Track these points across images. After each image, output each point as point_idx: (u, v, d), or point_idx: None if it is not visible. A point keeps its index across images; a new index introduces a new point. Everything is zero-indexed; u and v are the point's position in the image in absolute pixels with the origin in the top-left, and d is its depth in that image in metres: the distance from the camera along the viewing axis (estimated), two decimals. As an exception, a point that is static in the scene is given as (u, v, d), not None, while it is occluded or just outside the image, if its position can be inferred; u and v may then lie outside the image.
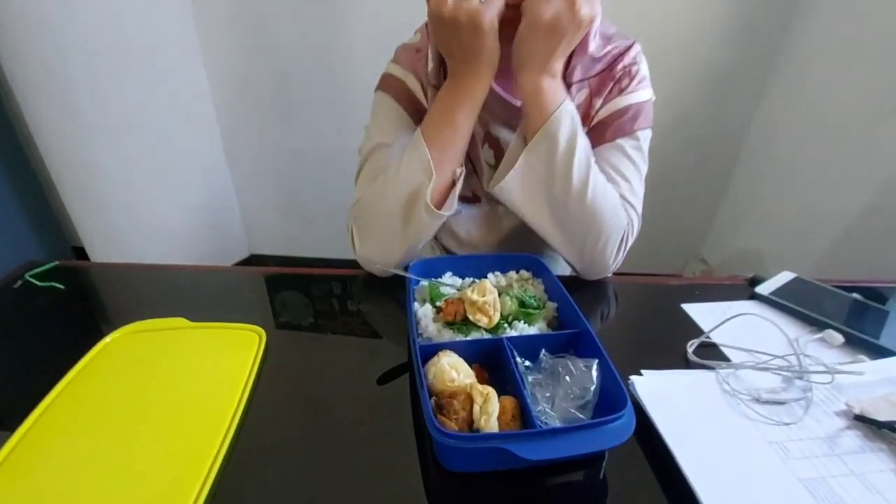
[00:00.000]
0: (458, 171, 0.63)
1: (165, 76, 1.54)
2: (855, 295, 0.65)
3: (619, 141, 0.66)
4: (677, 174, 1.75)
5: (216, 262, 1.84)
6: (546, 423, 0.42)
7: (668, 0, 1.47)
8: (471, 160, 0.73)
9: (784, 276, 0.69)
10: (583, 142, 0.61)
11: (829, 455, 0.42)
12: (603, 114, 0.67)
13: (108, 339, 0.53)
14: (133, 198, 1.64)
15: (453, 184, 0.64)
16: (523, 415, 0.42)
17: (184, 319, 0.57)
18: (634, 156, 0.67)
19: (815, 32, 1.40)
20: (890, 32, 1.16)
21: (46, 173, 1.62)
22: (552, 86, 0.59)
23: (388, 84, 0.71)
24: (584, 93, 0.68)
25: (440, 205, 0.62)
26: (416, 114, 0.70)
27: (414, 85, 0.70)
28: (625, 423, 0.39)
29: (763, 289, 0.66)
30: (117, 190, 1.62)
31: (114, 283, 0.72)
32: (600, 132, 0.67)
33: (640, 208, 0.68)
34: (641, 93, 0.67)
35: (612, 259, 0.66)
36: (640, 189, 0.68)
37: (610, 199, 0.63)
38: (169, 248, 1.75)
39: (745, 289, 0.68)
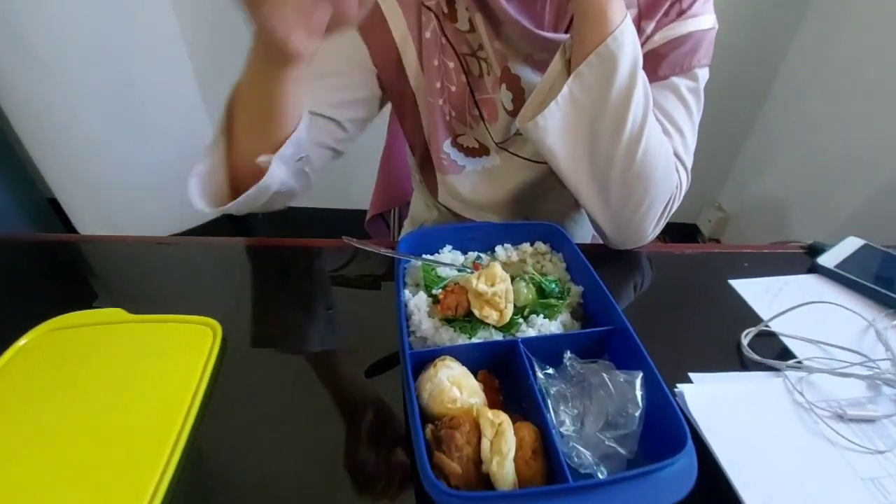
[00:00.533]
0: (262, 159, 0.45)
1: (128, 12, 1.36)
2: (935, 267, 0.54)
3: (675, 80, 0.53)
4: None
5: (193, 212, 1.71)
6: (576, 461, 0.32)
7: None
8: (477, 105, 0.59)
9: (850, 244, 0.57)
10: (644, 77, 0.48)
11: (941, 496, 0.32)
12: (657, 41, 0.53)
13: (22, 341, 0.43)
14: (103, 146, 1.52)
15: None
16: (545, 447, 0.33)
17: (121, 311, 0.46)
18: (690, 100, 0.53)
19: None
20: None
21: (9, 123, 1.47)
22: None
23: None
24: (632, 12, 0.52)
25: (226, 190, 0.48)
26: (380, 48, 0.56)
27: (392, 10, 0.55)
28: (683, 467, 0.29)
29: (826, 260, 0.55)
30: (83, 136, 1.48)
31: (30, 264, 0.57)
32: (651, 66, 0.53)
33: (690, 166, 0.55)
34: (705, 18, 0.53)
35: (653, 228, 0.54)
36: (692, 142, 0.55)
37: (664, 157, 0.51)
38: (148, 199, 1.63)
39: (803, 259, 0.57)
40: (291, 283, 0.55)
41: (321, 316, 0.50)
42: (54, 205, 1.72)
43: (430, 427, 0.34)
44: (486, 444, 0.31)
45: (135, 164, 1.58)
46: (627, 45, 0.45)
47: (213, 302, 0.49)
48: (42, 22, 1.26)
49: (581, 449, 0.32)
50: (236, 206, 0.47)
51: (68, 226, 1.65)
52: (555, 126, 0.48)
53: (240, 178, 0.48)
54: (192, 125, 1.66)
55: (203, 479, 0.35)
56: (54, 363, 0.42)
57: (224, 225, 1.67)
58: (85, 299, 0.48)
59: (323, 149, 0.57)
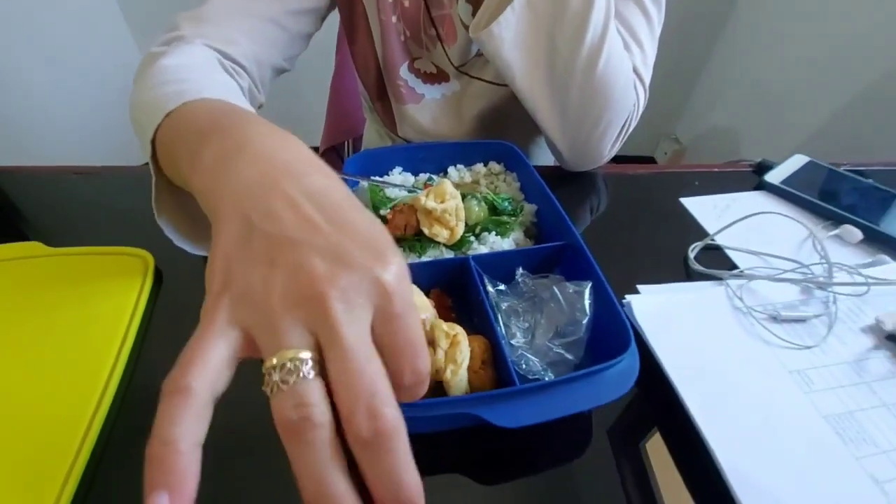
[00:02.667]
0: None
1: None
2: (871, 181, 0.56)
3: None
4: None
5: (130, 150, 1.58)
6: (525, 368, 0.32)
7: None
8: (434, 23, 0.54)
9: (796, 161, 0.59)
10: None
11: (857, 384, 0.35)
12: None
13: (-77, 276, 0.39)
14: (22, 79, 1.34)
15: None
16: (496, 358, 0.33)
17: (38, 244, 0.42)
18: (652, 11, 0.51)
19: None
20: None
21: None
22: None
23: None
24: None
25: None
26: None
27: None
28: (626, 367, 0.30)
29: (772, 177, 0.56)
30: (2, 72, 1.30)
31: None
32: None
33: (648, 83, 0.53)
34: None
35: (610, 147, 0.53)
36: (652, 57, 0.53)
37: (624, 72, 0.49)
38: (75, 137, 1.49)
39: (751, 177, 0.58)
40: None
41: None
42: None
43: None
44: (440, 353, 0.31)
45: (54, 94, 1.42)
46: None
47: (145, 234, 0.45)
48: None
49: (529, 356, 0.32)
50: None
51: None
52: (510, 35, 0.45)
53: None
54: (115, 48, 1.49)
55: (136, 428, 0.33)
56: (-36, 302, 0.38)
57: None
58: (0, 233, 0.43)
59: (269, 65, 0.51)
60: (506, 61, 0.46)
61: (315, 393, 0.17)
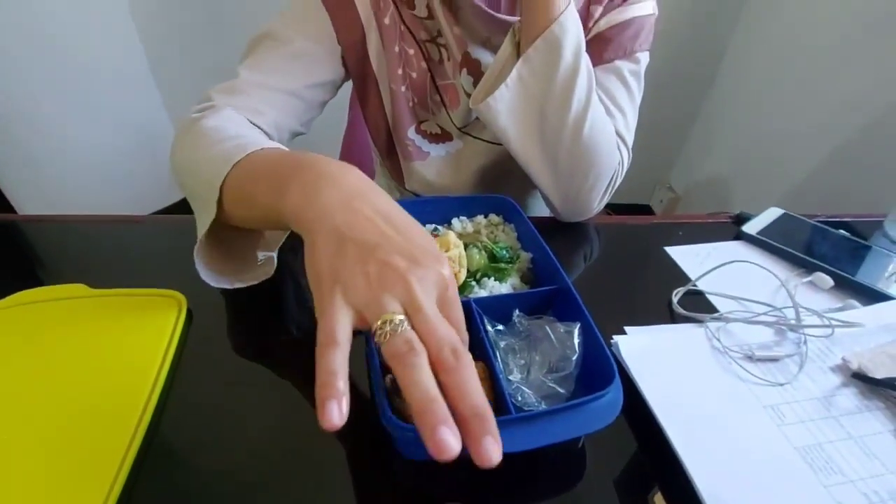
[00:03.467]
0: (262, 257, 0.46)
1: None
2: (842, 232, 0.60)
3: (618, 63, 0.57)
4: (650, 97, 1.65)
5: (154, 198, 1.66)
6: (521, 400, 0.36)
7: None
8: (438, 91, 0.61)
9: (771, 213, 0.64)
10: (587, 60, 0.51)
11: (826, 418, 0.38)
12: (602, 25, 0.57)
13: (-19, 314, 0.43)
14: (52, 129, 1.44)
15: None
16: (494, 390, 0.36)
17: (83, 286, 0.47)
18: (632, 83, 0.58)
19: None
20: None
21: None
22: None
23: None
24: (581, 0, 0.56)
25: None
26: (346, 25, 0.56)
27: None
28: (612, 399, 0.34)
29: (750, 227, 0.61)
30: (33, 121, 1.41)
31: None
32: (598, 50, 0.57)
33: (631, 145, 0.59)
34: (646, 4, 0.57)
35: (598, 201, 0.58)
36: (633, 123, 0.60)
37: (607, 135, 0.55)
38: (100, 185, 1.57)
39: (731, 228, 0.63)
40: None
41: (287, 289, 0.52)
42: None
43: (389, 376, 0.37)
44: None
45: (83, 145, 1.51)
46: (571, 30, 0.49)
47: (179, 277, 0.49)
48: None
49: (525, 389, 0.36)
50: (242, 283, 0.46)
51: (8, 209, 1.57)
52: (505, 107, 0.51)
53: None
54: (143, 103, 1.60)
55: (169, 452, 0.36)
56: (15, 338, 0.42)
57: (180, 205, 1.64)
58: (45, 278, 0.47)
59: (288, 130, 0.58)
60: (501, 129, 0.53)
61: (414, 336, 0.26)
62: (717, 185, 1.69)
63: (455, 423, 0.24)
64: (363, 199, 0.30)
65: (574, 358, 0.37)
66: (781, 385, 0.40)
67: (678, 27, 1.52)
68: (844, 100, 1.17)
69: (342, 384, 0.24)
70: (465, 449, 0.24)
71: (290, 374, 0.42)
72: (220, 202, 0.38)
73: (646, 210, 2.01)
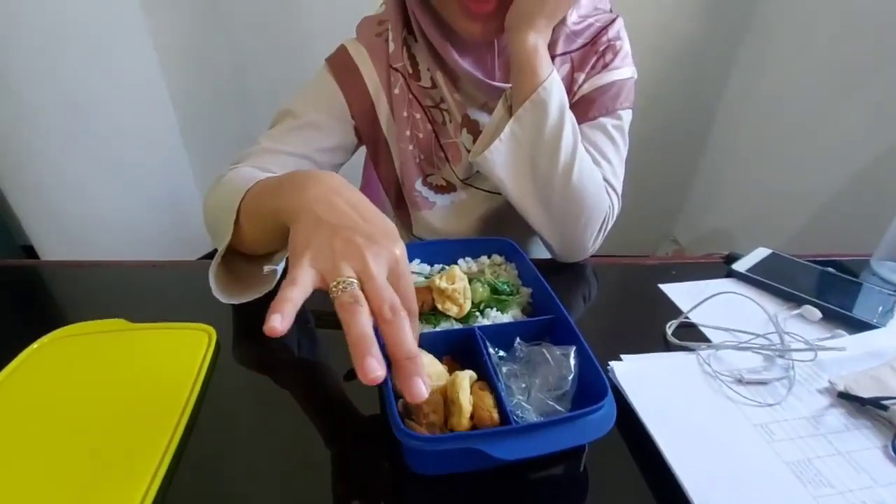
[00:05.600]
0: (267, 269, 0.51)
1: (110, 57, 1.42)
2: (829, 269, 0.64)
3: (602, 119, 0.64)
4: (649, 154, 1.74)
5: (177, 257, 1.74)
6: (522, 417, 0.39)
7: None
8: (443, 148, 0.69)
9: (760, 253, 0.68)
10: (571, 116, 0.58)
11: (815, 435, 0.40)
12: (586, 89, 0.65)
13: (35, 345, 0.48)
14: (82, 189, 1.53)
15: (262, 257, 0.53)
16: (497, 405, 0.39)
17: (123, 321, 0.52)
18: (616, 136, 0.64)
19: (776, 8, 1.40)
20: (847, 11, 1.16)
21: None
22: (546, 50, 0.56)
23: (335, 58, 0.67)
24: (566, 68, 0.65)
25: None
26: (356, 98, 0.66)
27: (365, 64, 0.65)
28: (605, 413, 0.36)
29: (739, 266, 0.65)
30: (64, 182, 1.50)
31: (44, 284, 0.65)
32: (583, 109, 0.64)
33: (620, 191, 0.65)
34: (625, 69, 0.65)
35: (592, 242, 0.63)
36: (620, 171, 0.66)
37: (595, 181, 0.61)
38: (125, 245, 1.65)
39: (722, 267, 0.67)
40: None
41: (304, 325, 0.56)
42: (29, 253, 1.71)
43: (401, 401, 0.40)
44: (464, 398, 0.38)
45: (115, 210, 1.59)
46: (555, 92, 0.56)
47: (209, 314, 0.54)
48: (25, 66, 1.30)
49: (525, 405, 0.39)
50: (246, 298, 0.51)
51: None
52: (500, 159, 0.58)
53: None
54: (174, 169, 1.71)
55: (197, 468, 0.39)
56: (61, 364, 0.47)
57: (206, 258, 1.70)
58: (91, 312, 0.52)
59: None
60: (498, 178, 0.59)
61: (360, 294, 0.33)
62: (719, 236, 1.73)
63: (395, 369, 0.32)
64: (339, 193, 0.38)
65: (570, 378, 0.40)
66: (770, 405, 0.43)
67: (671, 91, 1.64)
68: (830, 150, 1.24)
69: (290, 306, 0.31)
70: (481, 461, 0.28)
71: (306, 400, 0.46)
72: (236, 223, 0.46)
73: (652, 261, 2.04)
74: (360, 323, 0.31)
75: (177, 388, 0.44)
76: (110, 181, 1.56)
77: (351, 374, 0.48)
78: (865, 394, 0.42)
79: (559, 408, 0.39)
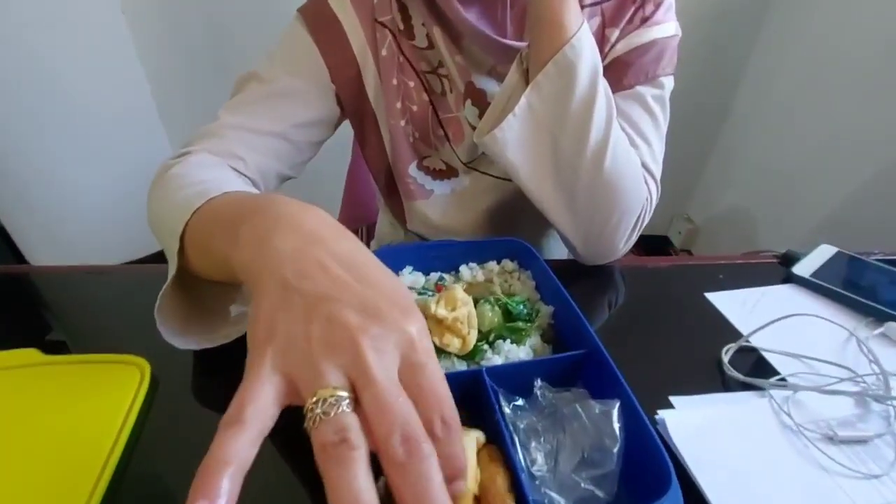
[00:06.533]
0: (234, 311, 0.41)
1: (85, 33, 1.30)
2: (907, 272, 0.53)
3: (640, 88, 0.51)
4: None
5: (152, 242, 1.63)
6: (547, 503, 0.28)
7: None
8: (441, 124, 0.56)
9: (823, 252, 0.56)
10: (605, 85, 0.46)
11: (945, 524, 0.30)
12: (620, 49, 0.52)
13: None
14: (53, 172, 1.43)
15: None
16: (515, 491, 0.29)
17: (35, 351, 0.41)
18: (656, 109, 0.52)
19: None
20: None
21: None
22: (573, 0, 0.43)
23: (310, 7, 0.53)
24: (596, 21, 0.51)
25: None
26: (338, 59, 0.52)
27: (348, 15, 0.52)
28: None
29: (801, 269, 0.53)
30: (34, 164, 1.40)
31: None
32: (616, 74, 0.51)
33: (659, 177, 0.53)
34: (668, 25, 0.52)
35: (624, 241, 0.52)
36: (660, 152, 0.54)
37: (632, 167, 0.49)
38: (102, 225, 1.55)
39: (778, 269, 0.56)
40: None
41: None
42: (2, 234, 1.61)
43: (382, 479, 0.29)
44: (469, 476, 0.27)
45: (88, 189, 1.50)
46: (586, 53, 0.44)
47: (149, 334, 0.43)
48: None
49: (554, 495, 0.28)
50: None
51: (18, 255, 1.55)
52: (514, 138, 0.46)
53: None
54: (150, 146, 1.59)
55: None
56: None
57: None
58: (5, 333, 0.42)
59: (274, 175, 0.53)
60: (510, 162, 0.47)
61: (353, 422, 0.20)
62: (738, 216, 1.61)
63: None
64: (321, 244, 0.25)
65: (615, 450, 0.29)
66: (877, 477, 0.32)
67: (691, 54, 1.48)
68: (872, 130, 1.10)
69: (226, 483, 0.18)
70: None
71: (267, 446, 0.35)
72: (183, 252, 0.33)
73: (663, 241, 1.93)
74: (355, 486, 0.18)
75: (97, 438, 0.34)
76: (83, 162, 1.47)
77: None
78: None
79: (599, 493, 0.29)
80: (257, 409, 0.20)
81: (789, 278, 0.53)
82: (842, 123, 1.19)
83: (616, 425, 0.30)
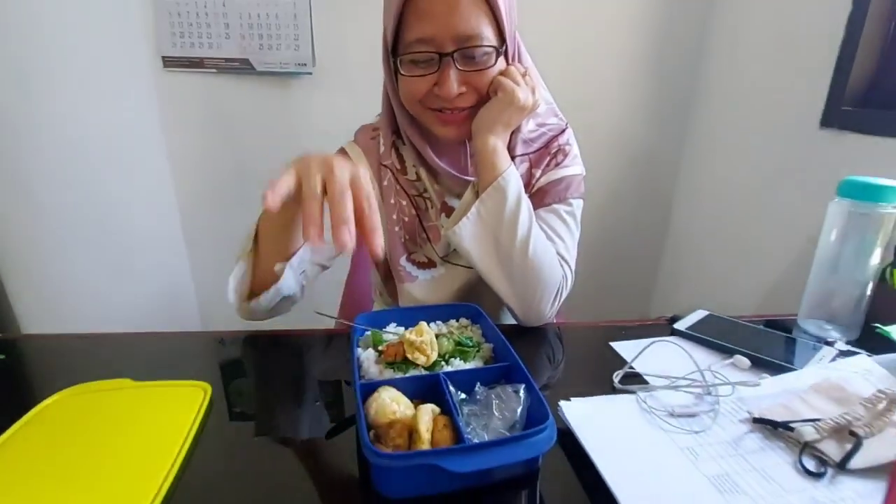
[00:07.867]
0: (278, 267, 0.64)
1: (130, 166, 1.58)
2: (760, 326, 0.73)
3: (555, 206, 0.77)
4: (617, 244, 1.90)
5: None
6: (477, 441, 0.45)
7: (595, 85, 1.67)
8: (425, 230, 0.80)
9: (699, 314, 0.77)
10: (527, 201, 0.71)
11: (734, 455, 0.46)
12: (542, 182, 0.79)
13: (48, 401, 0.53)
14: (83, 284, 1.60)
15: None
16: (455, 435, 0.45)
17: (128, 380, 0.58)
18: (568, 219, 0.77)
19: (715, 103, 1.64)
20: (775, 106, 1.38)
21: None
22: (504, 150, 0.71)
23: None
24: (525, 165, 0.79)
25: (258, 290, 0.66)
26: None
27: (361, 161, 0.79)
28: (546, 434, 0.43)
29: (680, 325, 0.73)
30: (66, 276, 1.56)
31: (59, 352, 0.71)
32: (539, 198, 0.78)
33: (573, 265, 0.76)
34: (574, 167, 0.80)
35: (549, 308, 0.72)
36: (573, 248, 0.78)
37: (549, 255, 0.72)
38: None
39: (667, 327, 0.75)
40: (276, 357, 0.68)
41: (297, 379, 0.63)
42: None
43: (373, 431, 0.46)
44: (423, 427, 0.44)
45: (114, 304, 1.64)
46: (512, 181, 0.69)
47: (207, 374, 0.61)
48: (50, 176, 1.42)
49: (479, 431, 0.45)
50: (257, 304, 0.66)
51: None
52: (468, 234, 0.69)
53: (260, 284, 0.66)
54: (172, 267, 1.80)
55: None
56: (70, 418, 0.52)
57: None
58: (101, 375, 0.59)
59: (317, 265, 0.76)
60: (466, 250, 0.70)
61: (321, 188, 0.46)
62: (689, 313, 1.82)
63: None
64: (325, 156, 0.49)
65: (519, 410, 0.47)
66: (697, 433, 0.49)
67: (629, 187, 1.84)
68: (769, 237, 1.39)
69: (280, 185, 0.46)
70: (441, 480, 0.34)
71: (288, 456, 0.51)
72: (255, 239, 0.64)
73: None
74: (315, 204, 0.45)
75: (172, 437, 0.49)
76: (112, 276, 1.63)
77: (332, 432, 0.54)
78: (777, 419, 0.49)
79: (508, 434, 0.45)
80: (287, 176, 0.46)
81: (672, 332, 0.73)
82: (749, 235, 1.47)
83: (521, 396, 0.48)
